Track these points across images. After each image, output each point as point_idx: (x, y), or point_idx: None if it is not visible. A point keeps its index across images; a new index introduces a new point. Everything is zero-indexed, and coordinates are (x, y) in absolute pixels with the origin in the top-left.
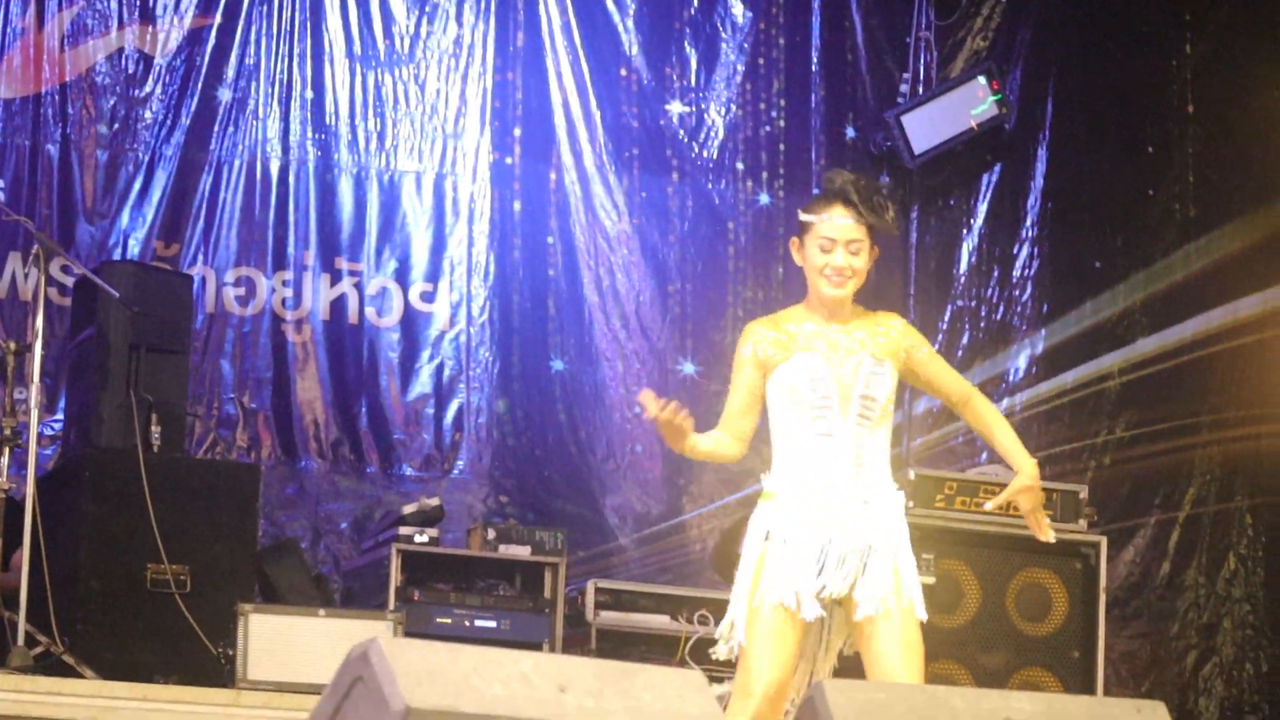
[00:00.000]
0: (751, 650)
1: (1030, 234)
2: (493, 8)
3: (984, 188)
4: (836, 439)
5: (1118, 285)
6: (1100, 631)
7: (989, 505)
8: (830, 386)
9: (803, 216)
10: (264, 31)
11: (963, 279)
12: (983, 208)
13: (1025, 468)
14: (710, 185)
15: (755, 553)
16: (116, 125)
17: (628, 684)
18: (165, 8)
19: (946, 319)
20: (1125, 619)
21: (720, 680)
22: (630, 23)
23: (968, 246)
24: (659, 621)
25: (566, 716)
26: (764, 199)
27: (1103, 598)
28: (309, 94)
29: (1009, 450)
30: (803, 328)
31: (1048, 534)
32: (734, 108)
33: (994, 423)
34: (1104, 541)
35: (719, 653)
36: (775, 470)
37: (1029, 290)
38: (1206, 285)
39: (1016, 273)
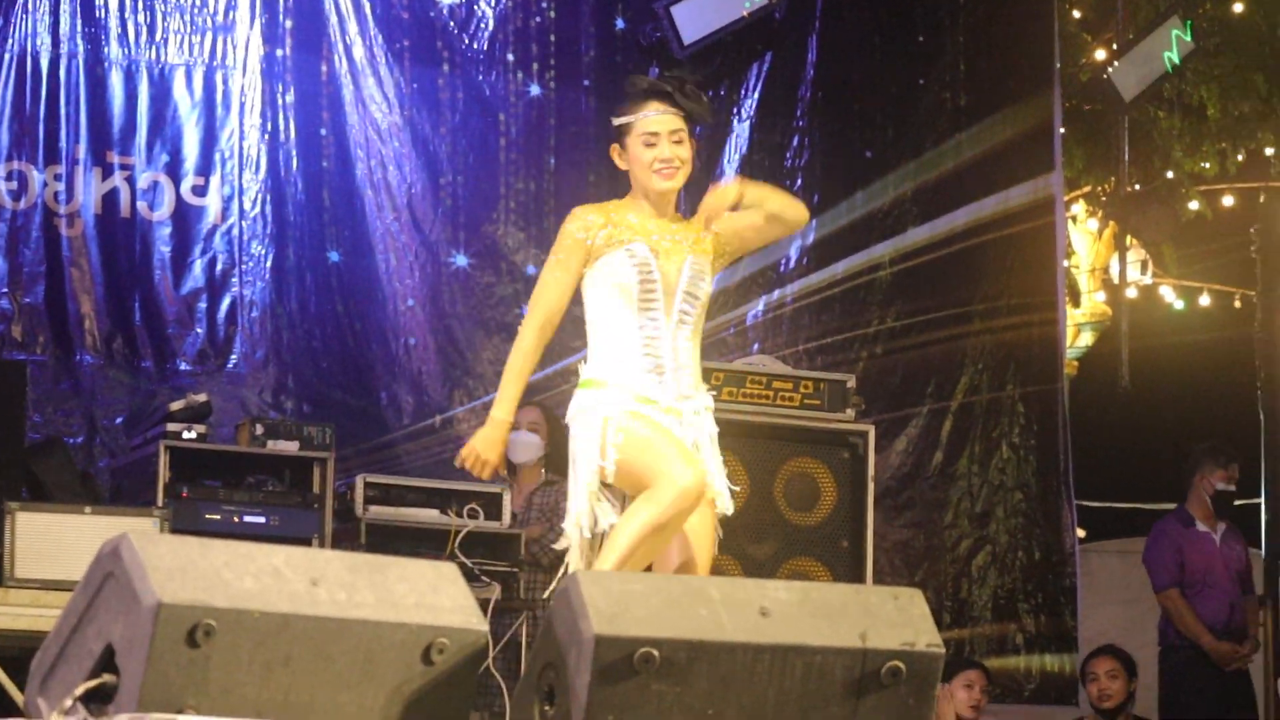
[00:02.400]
0: (653, 444)
1: (801, 124)
2: None
3: (754, 78)
4: (660, 334)
5: (888, 175)
6: (869, 521)
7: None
8: (657, 282)
9: (619, 120)
10: None
11: (734, 170)
12: (754, 98)
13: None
14: (481, 77)
15: (596, 431)
16: None
17: (380, 576)
18: None
19: None
20: (898, 509)
21: (487, 576)
22: None
23: (739, 137)
24: (429, 515)
25: (319, 609)
26: (535, 90)
27: (871, 487)
28: None
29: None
30: (628, 220)
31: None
32: None
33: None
34: (872, 430)
35: (564, 543)
36: (597, 359)
37: (800, 180)
38: (977, 174)
39: (787, 163)
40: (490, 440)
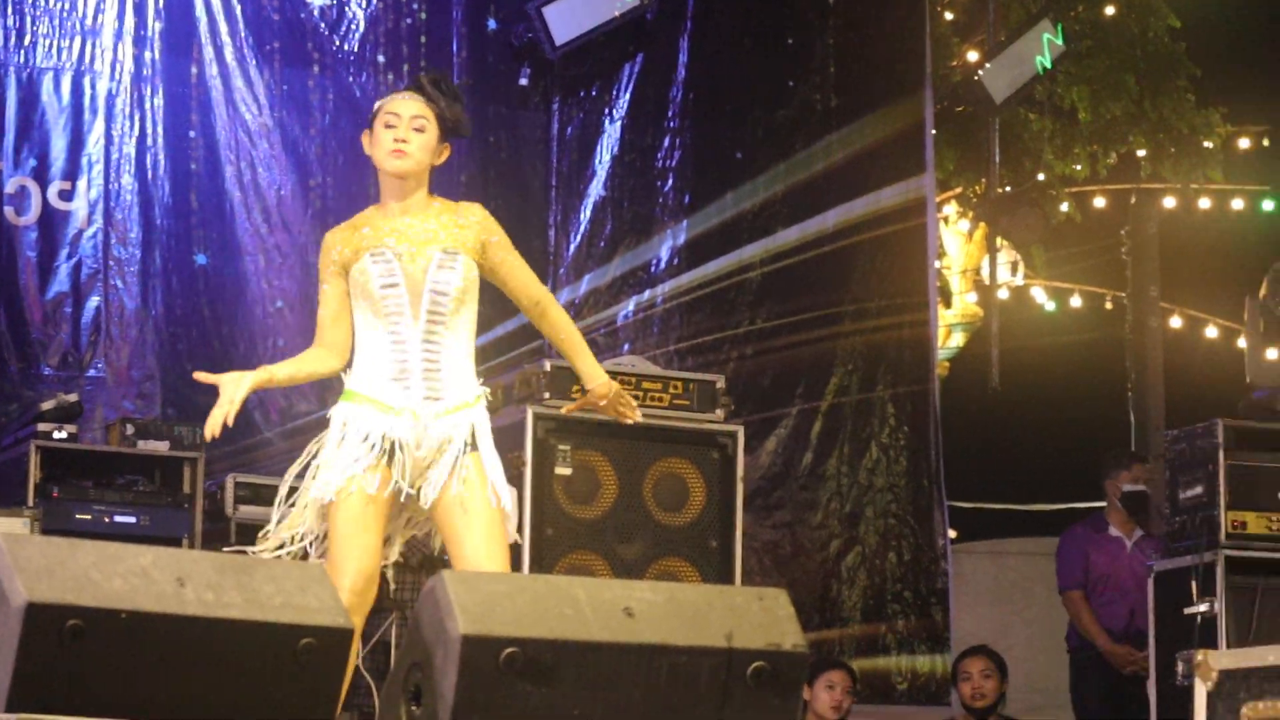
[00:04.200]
0: (337, 541)
1: (672, 125)
2: None
3: (626, 78)
4: (407, 338)
5: (759, 176)
6: (738, 521)
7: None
8: (400, 285)
9: (374, 108)
10: None
11: (605, 170)
12: (625, 98)
13: (595, 381)
14: (351, 78)
15: (335, 450)
16: None
17: (247, 577)
18: None
19: (588, 210)
20: (768, 509)
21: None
22: None
23: (610, 138)
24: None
25: (186, 609)
26: None
27: (740, 487)
28: None
29: (580, 363)
30: (373, 226)
31: (633, 414)
32: (375, 0)
33: (569, 335)
34: (741, 431)
35: (269, 546)
36: (354, 369)
37: (671, 181)
38: (848, 176)
39: (658, 163)
40: (240, 377)
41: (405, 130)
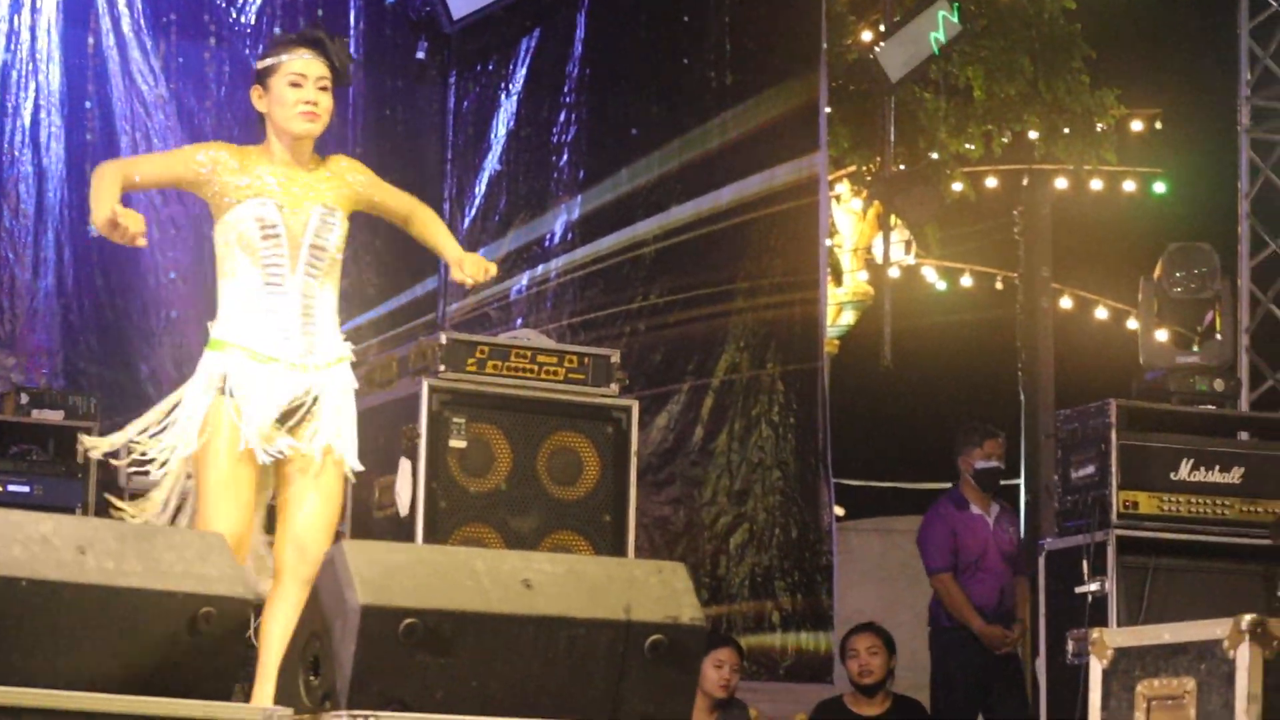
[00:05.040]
0: (211, 502)
1: (568, 100)
2: None
3: (523, 53)
4: (286, 290)
5: (654, 152)
6: (631, 496)
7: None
8: (281, 236)
9: (266, 60)
10: None
11: (501, 144)
12: (522, 73)
13: (452, 255)
14: (248, 51)
15: (204, 403)
16: None
17: (148, 545)
18: None
19: (484, 184)
20: (659, 485)
21: None
22: None
23: (506, 112)
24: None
25: (87, 577)
26: None
27: (634, 462)
28: None
29: (444, 246)
30: (260, 172)
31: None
32: None
33: (436, 228)
34: (635, 405)
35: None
36: (222, 318)
37: (566, 156)
38: (742, 153)
39: (554, 138)
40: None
41: (313, 91)
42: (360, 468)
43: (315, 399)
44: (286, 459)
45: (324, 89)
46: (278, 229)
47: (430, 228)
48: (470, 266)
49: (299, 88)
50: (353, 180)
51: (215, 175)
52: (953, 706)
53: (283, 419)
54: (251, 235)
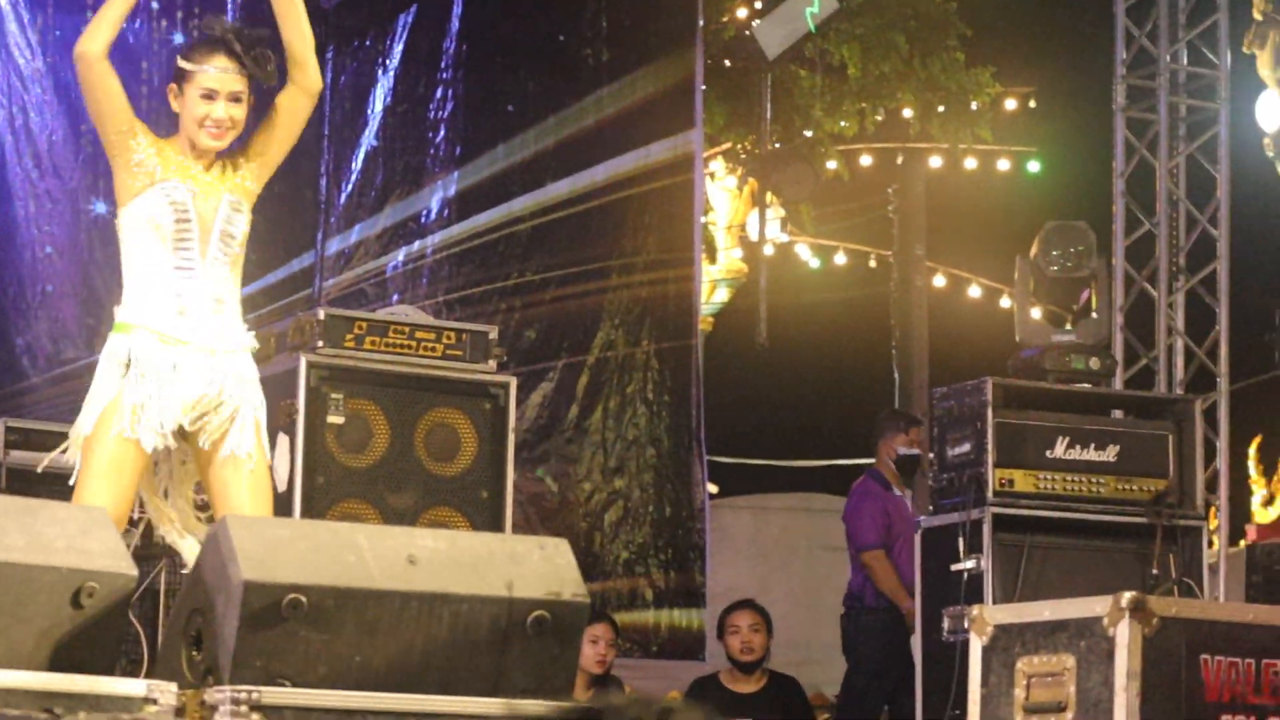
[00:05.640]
0: (89, 482)
1: (445, 76)
2: None
3: (400, 29)
4: (196, 275)
5: (530, 129)
6: (509, 472)
7: None
8: (192, 221)
9: (183, 64)
10: None
11: (378, 120)
12: (399, 49)
13: None
14: (125, 24)
15: (111, 385)
16: None
17: (31, 520)
18: None
19: (360, 160)
20: (534, 461)
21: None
22: None
23: (383, 88)
24: (71, 460)
25: None
26: (178, 38)
27: (511, 438)
28: None
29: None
30: (169, 156)
31: None
32: None
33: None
34: (513, 382)
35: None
36: (128, 302)
37: (442, 132)
38: (618, 130)
39: (430, 114)
40: None
41: (225, 108)
42: (269, 452)
43: (224, 385)
44: (210, 449)
45: (237, 100)
46: (189, 214)
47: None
48: None
49: (210, 101)
50: (244, 170)
51: (138, 144)
52: (870, 689)
53: (189, 403)
54: (164, 219)
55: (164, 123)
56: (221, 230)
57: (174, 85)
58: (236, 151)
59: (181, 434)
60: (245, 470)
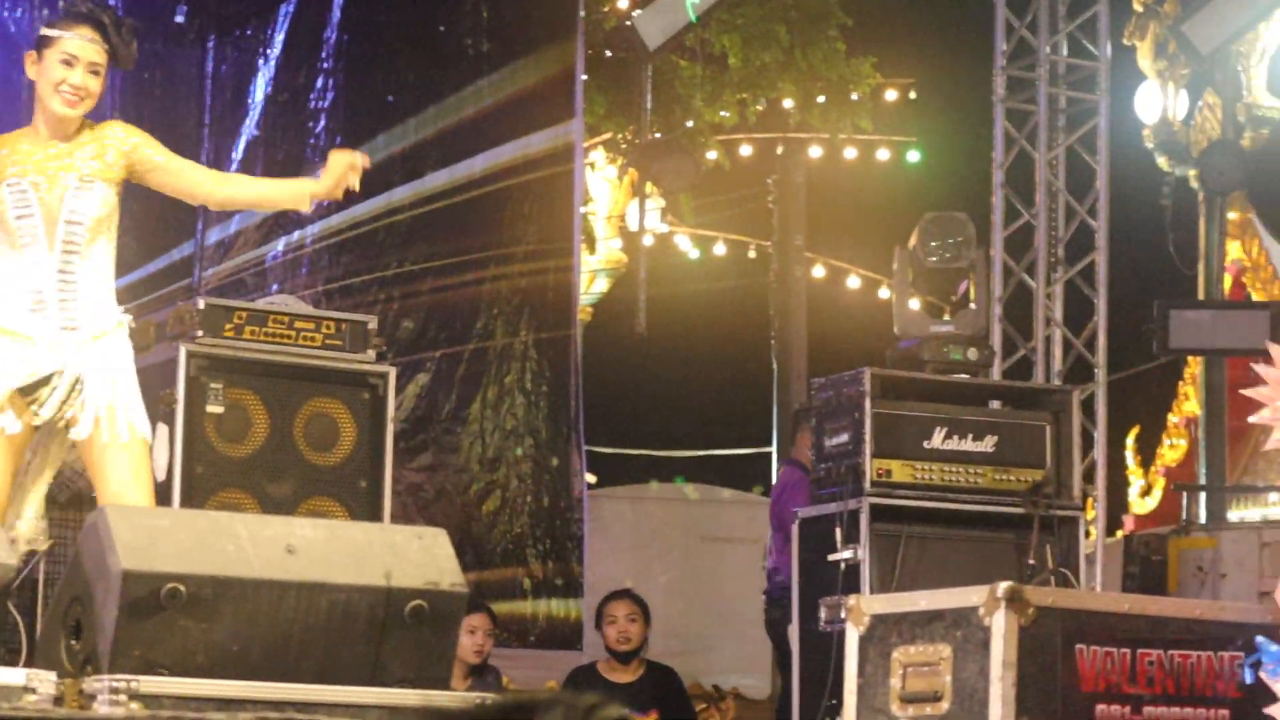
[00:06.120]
0: None
1: (326, 66)
2: None
3: (281, 18)
4: (41, 266)
5: (410, 119)
6: (387, 462)
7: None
8: (34, 215)
9: (46, 31)
10: None
11: (259, 110)
12: (280, 38)
13: (320, 184)
14: (6, 13)
15: None
16: None
17: None
18: None
19: (241, 150)
20: (412, 451)
21: None
22: None
23: (264, 77)
24: None
25: None
26: None
27: (390, 428)
28: None
29: (274, 188)
30: (22, 150)
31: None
32: None
33: (255, 181)
34: (392, 372)
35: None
36: None
37: (323, 122)
38: (498, 120)
39: (311, 104)
40: None
41: (82, 75)
42: (148, 431)
43: (79, 373)
44: (85, 439)
45: (95, 73)
46: (31, 208)
47: (250, 182)
48: (343, 172)
49: (69, 67)
50: (117, 146)
51: None
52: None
53: (28, 391)
54: (7, 216)
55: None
56: (67, 219)
57: (33, 53)
58: (103, 142)
59: (49, 422)
60: (109, 453)
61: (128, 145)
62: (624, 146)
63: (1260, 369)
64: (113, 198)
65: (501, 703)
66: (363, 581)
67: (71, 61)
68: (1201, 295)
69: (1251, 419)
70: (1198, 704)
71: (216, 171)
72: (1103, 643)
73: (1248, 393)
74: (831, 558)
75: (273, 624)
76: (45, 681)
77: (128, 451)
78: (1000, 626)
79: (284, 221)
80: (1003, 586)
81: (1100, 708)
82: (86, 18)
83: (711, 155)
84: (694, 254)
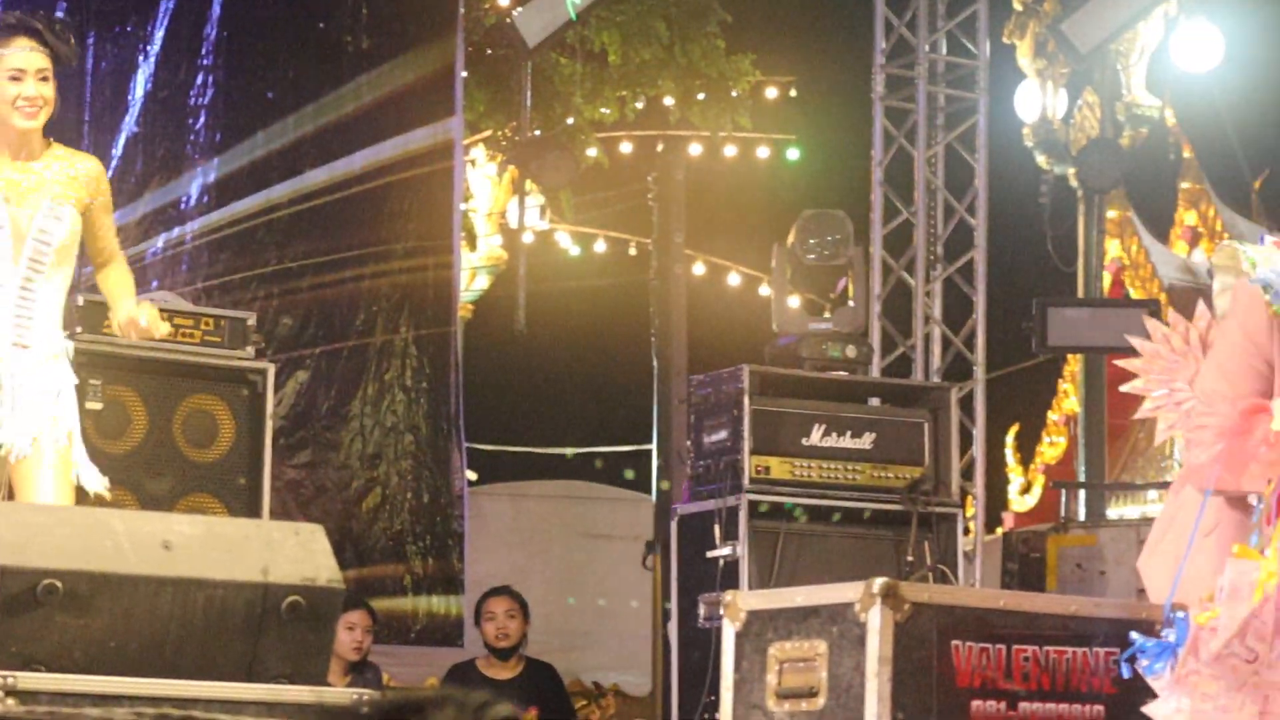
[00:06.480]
0: None
1: (206, 62)
2: None
3: (161, 14)
4: (4, 283)
5: (289, 116)
6: (266, 458)
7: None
8: (4, 229)
9: None
10: None
11: (139, 106)
12: (160, 35)
13: (122, 316)
14: None
15: None
16: None
17: None
18: None
19: (121, 146)
20: (292, 448)
21: None
22: None
23: (144, 74)
24: None
25: None
26: None
27: (269, 425)
28: None
29: (119, 305)
30: None
31: (158, 327)
32: None
33: (123, 288)
34: (271, 369)
35: None
36: None
37: (203, 119)
38: (378, 118)
39: (191, 100)
40: None
41: (34, 86)
42: (83, 459)
43: (17, 389)
44: (11, 451)
45: (44, 79)
46: (2, 222)
47: (120, 284)
48: (136, 329)
49: (18, 82)
50: (89, 184)
51: None
52: None
53: None
54: None
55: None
56: (36, 239)
57: None
58: (75, 170)
59: None
60: (40, 474)
61: (95, 193)
62: (504, 144)
63: (1123, 363)
64: (79, 223)
65: (393, 700)
66: (239, 577)
67: (19, 76)
68: (1080, 293)
69: (1140, 411)
70: (1073, 700)
71: (119, 252)
72: (978, 639)
73: (1126, 388)
74: (710, 554)
75: (150, 620)
76: None
77: (56, 473)
78: (876, 622)
79: (164, 218)
80: (878, 583)
81: (976, 704)
82: (18, 27)
83: (591, 152)
84: (574, 251)
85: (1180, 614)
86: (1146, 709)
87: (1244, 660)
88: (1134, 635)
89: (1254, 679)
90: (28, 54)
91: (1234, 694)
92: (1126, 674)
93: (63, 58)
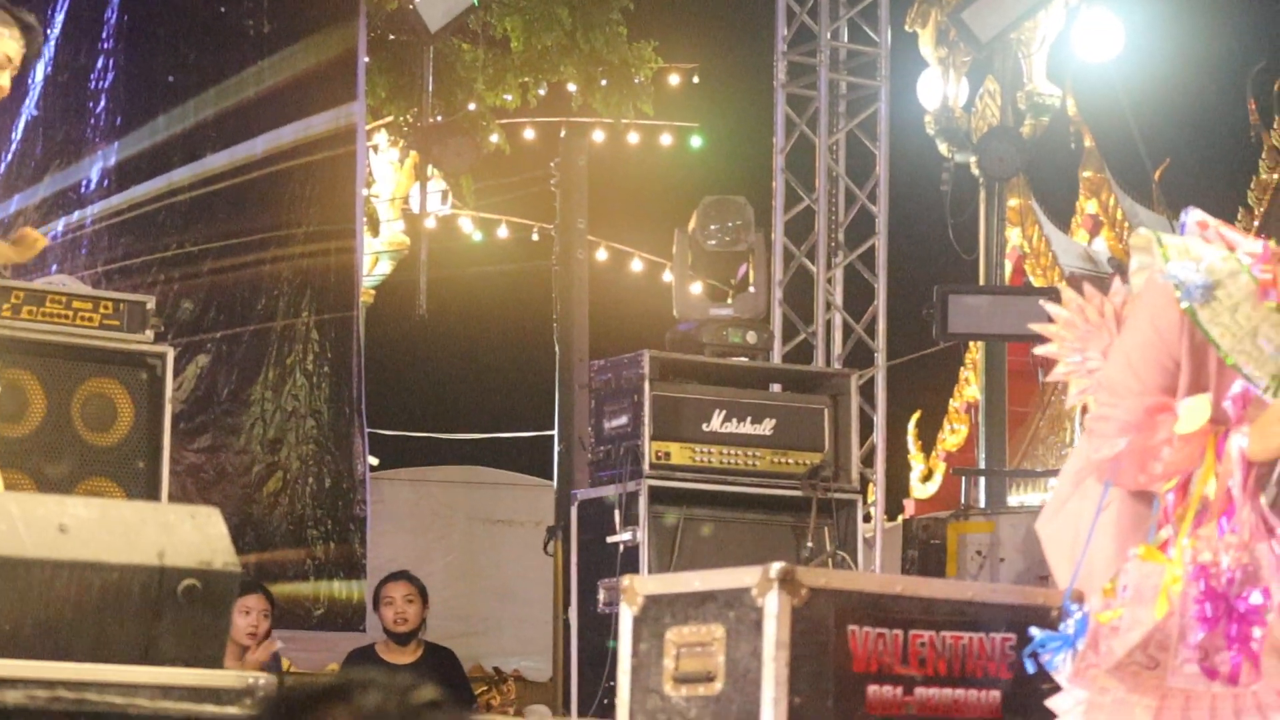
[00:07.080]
0: None
1: (106, 46)
2: None
3: None
4: None
5: (189, 100)
6: (165, 442)
7: None
8: None
9: None
10: None
11: (38, 89)
12: (60, 18)
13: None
14: None
15: None
16: None
17: None
18: None
19: (20, 130)
20: (192, 432)
21: None
22: None
23: (44, 57)
24: None
25: None
26: None
27: (168, 409)
28: None
29: None
30: None
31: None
32: None
33: None
34: (170, 352)
35: None
36: None
37: (103, 102)
38: (279, 102)
39: (91, 84)
40: None
41: (6, 78)
42: None
43: None
44: None
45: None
46: None
47: None
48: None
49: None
50: None
51: None
52: None
53: None
54: None
55: None
56: None
57: None
58: None
59: None
60: None
61: None
62: (406, 129)
63: (1038, 327)
64: None
65: (316, 685)
66: (135, 560)
67: (3, 63)
68: (981, 281)
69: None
70: (969, 686)
71: None
72: (875, 624)
73: (1040, 351)
74: (611, 539)
75: (45, 603)
76: None
77: None
78: (773, 607)
79: (64, 201)
80: (775, 567)
81: (872, 688)
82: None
83: (494, 139)
84: (477, 237)
85: (1079, 607)
86: (1049, 703)
87: (1145, 667)
88: (1033, 630)
89: (1154, 681)
90: (6, 40)
91: (1132, 692)
92: (1031, 669)
93: (34, 48)
